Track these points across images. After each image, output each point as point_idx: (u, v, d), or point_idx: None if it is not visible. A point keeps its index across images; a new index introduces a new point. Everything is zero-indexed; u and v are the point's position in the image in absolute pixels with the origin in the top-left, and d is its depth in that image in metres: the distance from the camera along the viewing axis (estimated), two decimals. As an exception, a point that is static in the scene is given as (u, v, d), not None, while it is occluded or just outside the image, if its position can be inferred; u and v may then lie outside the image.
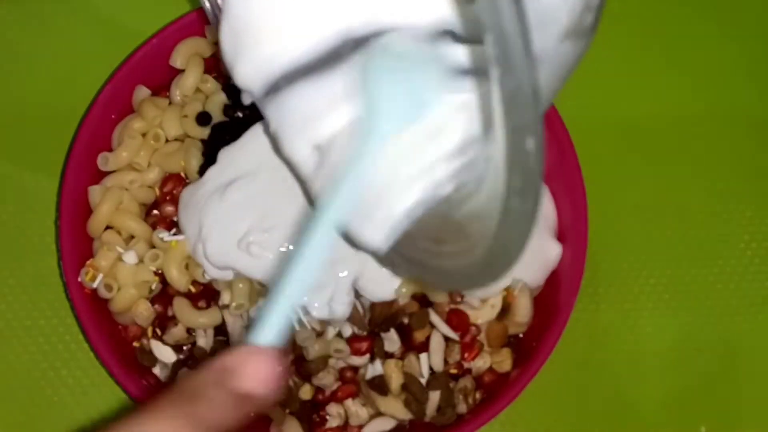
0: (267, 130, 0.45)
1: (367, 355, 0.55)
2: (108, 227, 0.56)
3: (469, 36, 0.38)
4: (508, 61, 0.28)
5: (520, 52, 0.28)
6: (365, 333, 0.55)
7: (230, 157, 0.54)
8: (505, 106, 0.30)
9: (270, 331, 0.33)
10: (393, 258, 0.44)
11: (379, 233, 0.41)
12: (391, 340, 0.55)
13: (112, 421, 0.29)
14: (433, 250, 0.41)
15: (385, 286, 0.54)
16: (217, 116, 0.57)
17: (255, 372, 0.30)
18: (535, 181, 0.31)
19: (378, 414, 0.55)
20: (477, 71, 0.38)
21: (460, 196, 0.40)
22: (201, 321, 0.55)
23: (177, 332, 0.55)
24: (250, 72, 0.43)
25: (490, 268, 0.36)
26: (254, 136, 0.55)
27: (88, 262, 0.55)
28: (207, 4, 0.48)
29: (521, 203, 0.31)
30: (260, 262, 0.53)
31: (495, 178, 0.33)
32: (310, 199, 0.45)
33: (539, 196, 0.31)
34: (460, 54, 0.38)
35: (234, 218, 0.53)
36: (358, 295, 0.54)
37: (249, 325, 0.52)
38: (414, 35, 0.38)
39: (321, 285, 0.53)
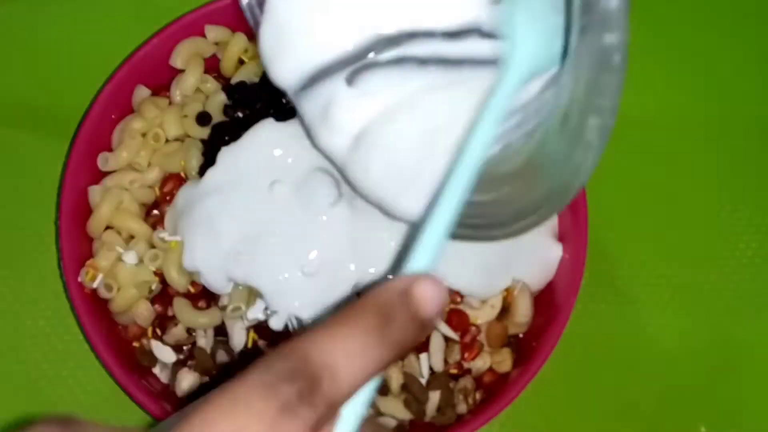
0: (302, 123, 0.48)
1: (367, 356, 0.55)
2: (108, 227, 0.56)
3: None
4: None
5: None
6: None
7: (229, 158, 0.54)
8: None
9: (426, 256, 0.33)
10: None
11: (418, 202, 0.43)
12: (391, 341, 0.55)
13: (305, 332, 0.29)
14: (484, 200, 0.42)
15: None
16: (217, 116, 0.57)
17: (431, 295, 0.31)
18: (615, 99, 0.35)
19: (378, 414, 0.55)
20: None
21: (509, 151, 0.42)
22: (201, 321, 0.55)
23: (177, 332, 0.55)
24: (287, 69, 0.45)
25: (554, 200, 0.38)
26: (253, 137, 0.55)
27: (88, 262, 0.55)
28: (245, 5, 0.49)
29: (601, 120, 0.35)
30: (249, 270, 0.53)
31: (556, 116, 0.37)
32: (348, 183, 0.48)
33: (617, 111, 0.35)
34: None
35: (224, 225, 0.53)
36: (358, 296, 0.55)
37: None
38: None
39: (325, 304, 0.53)
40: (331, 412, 0.28)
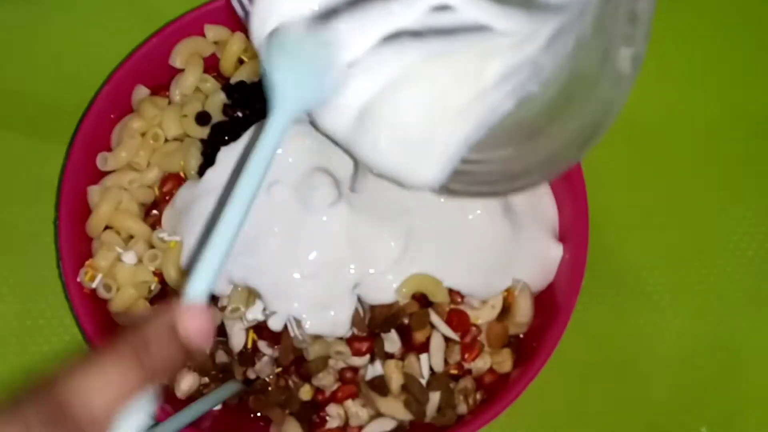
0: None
1: (368, 356, 0.55)
2: (107, 227, 0.56)
3: None
4: None
5: None
6: (365, 334, 0.54)
7: (229, 159, 0.54)
8: None
9: (201, 284, 0.36)
10: (450, 187, 0.46)
11: (434, 168, 0.44)
12: (392, 341, 0.55)
13: (66, 362, 0.32)
14: (510, 155, 0.45)
15: (386, 292, 0.54)
16: (217, 116, 0.57)
17: (195, 326, 0.34)
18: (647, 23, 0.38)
19: (378, 415, 0.55)
20: None
21: (528, 103, 0.43)
22: (200, 322, 0.54)
23: (176, 333, 0.55)
24: None
25: (588, 137, 0.42)
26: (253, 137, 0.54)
27: (87, 263, 0.55)
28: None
29: (632, 53, 0.38)
30: (248, 271, 0.52)
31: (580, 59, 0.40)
32: (355, 161, 0.49)
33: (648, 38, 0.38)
34: None
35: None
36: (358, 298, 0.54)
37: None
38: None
39: (324, 306, 0.53)
40: None
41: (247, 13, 0.46)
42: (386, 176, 0.46)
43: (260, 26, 0.44)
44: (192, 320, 0.34)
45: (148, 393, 0.33)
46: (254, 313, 0.54)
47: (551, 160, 0.44)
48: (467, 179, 0.46)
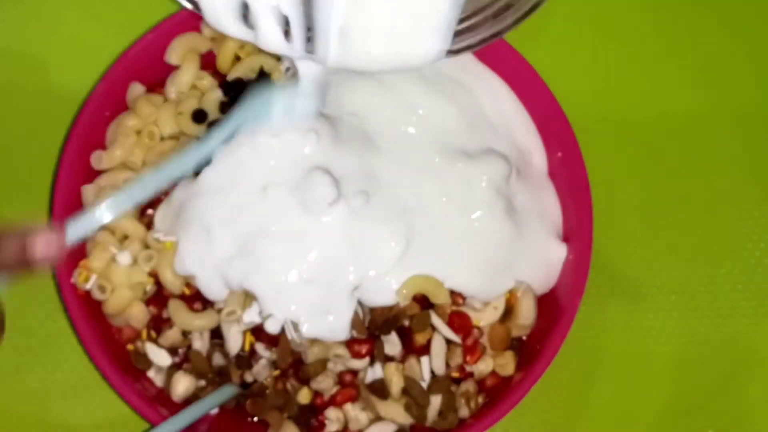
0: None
1: (367, 359, 0.54)
2: (101, 227, 0.55)
3: None
4: None
5: None
6: (365, 336, 0.54)
7: (226, 157, 0.53)
8: None
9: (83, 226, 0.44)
10: (457, 48, 0.47)
11: (436, 41, 0.45)
12: (392, 343, 0.54)
13: None
14: None
15: (386, 294, 0.53)
16: (213, 113, 0.57)
17: (43, 245, 0.39)
18: None
19: (378, 418, 0.54)
20: None
21: None
22: (196, 324, 0.54)
23: (172, 335, 0.54)
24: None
25: None
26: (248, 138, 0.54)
27: (81, 263, 0.55)
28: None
29: None
30: (245, 275, 0.52)
31: None
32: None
33: None
34: None
35: (218, 231, 0.53)
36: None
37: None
38: None
39: (323, 309, 0.52)
40: None
41: (195, 4, 0.47)
42: (390, 70, 0.47)
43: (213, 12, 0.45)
44: (40, 245, 0.39)
45: None
46: (251, 316, 0.53)
47: None
48: (469, 35, 0.47)
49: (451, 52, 0.47)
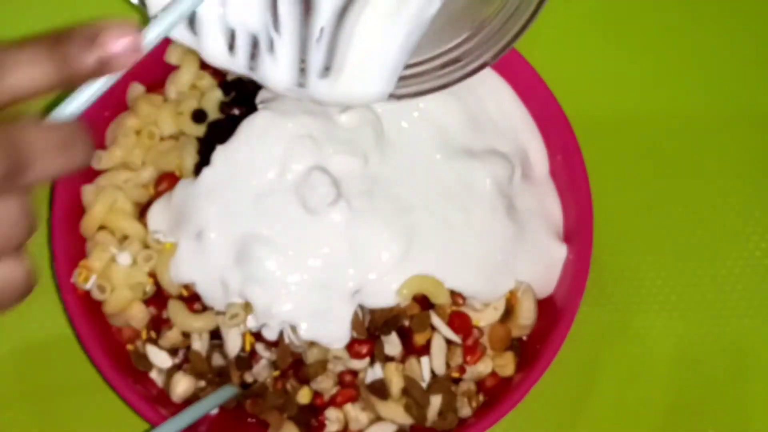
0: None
1: (367, 359, 0.54)
2: (101, 227, 0.55)
3: None
4: None
5: None
6: (365, 336, 0.54)
7: (226, 158, 0.53)
8: None
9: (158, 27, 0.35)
10: (400, 93, 0.47)
11: (379, 81, 0.46)
12: (392, 344, 0.54)
13: None
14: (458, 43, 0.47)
15: (386, 297, 0.53)
16: (213, 113, 0.56)
17: (121, 39, 0.33)
18: None
19: (378, 419, 0.54)
20: None
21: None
22: (196, 325, 0.54)
23: (172, 335, 0.54)
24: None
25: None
26: (250, 133, 0.53)
27: (81, 263, 0.54)
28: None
29: None
30: (244, 282, 0.52)
31: None
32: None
33: None
34: None
35: (215, 237, 0.52)
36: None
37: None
38: None
39: (322, 315, 0.52)
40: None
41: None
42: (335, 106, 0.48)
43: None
44: (119, 37, 0.32)
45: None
46: (250, 322, 0.53)
47: (497, 35, 0.45)
48: (416, 81, 0.47)
49: (394, 97, 0.47)
